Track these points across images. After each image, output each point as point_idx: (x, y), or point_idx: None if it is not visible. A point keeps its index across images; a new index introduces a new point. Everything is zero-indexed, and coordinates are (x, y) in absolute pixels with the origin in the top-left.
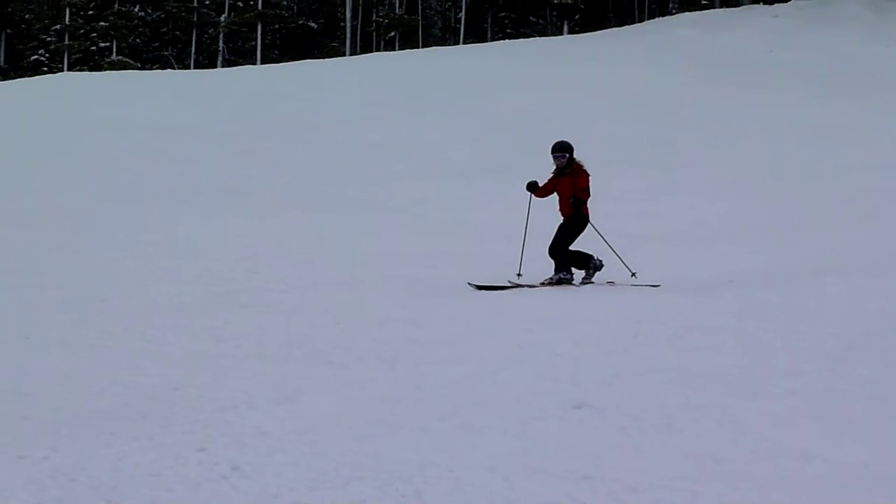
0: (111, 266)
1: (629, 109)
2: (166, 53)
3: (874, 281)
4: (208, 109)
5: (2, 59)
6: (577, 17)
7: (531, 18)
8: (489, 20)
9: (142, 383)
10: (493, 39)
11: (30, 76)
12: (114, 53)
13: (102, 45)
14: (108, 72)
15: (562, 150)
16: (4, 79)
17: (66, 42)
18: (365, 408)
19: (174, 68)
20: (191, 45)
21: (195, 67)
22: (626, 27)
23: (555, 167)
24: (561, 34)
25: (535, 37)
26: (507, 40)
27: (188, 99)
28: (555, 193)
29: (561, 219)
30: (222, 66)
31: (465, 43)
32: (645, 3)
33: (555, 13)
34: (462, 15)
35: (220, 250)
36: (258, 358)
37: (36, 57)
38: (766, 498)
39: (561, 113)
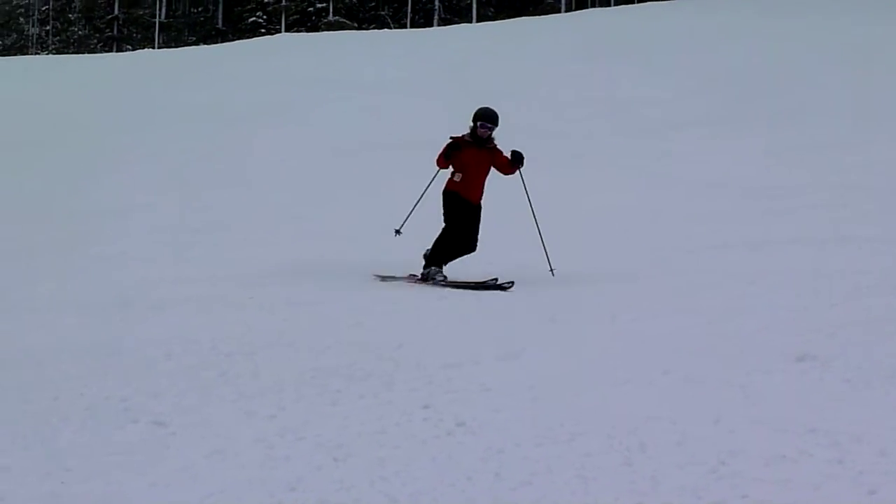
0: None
1: (853, 63)
2: (382, 13)
3: None
4: (428, 68)
5: (220, 21)
6: None
7: None
8: None
9: (366, 341)
10: None
11: (248, 38)
12: (330, 14)
13: (319, 5)
14: (325, 32)
15: (495, 120)
16: (223, 40)
17: (284, 3)
18: (587, 363)
19: (390, 28)
20: (406, 5)
21: (411, 27)
22: None
23: (469, 135)
24: None
25: None
26: None
27: (408, 58)
28: (452, 168)
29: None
30: (438, 25)
31: None
32: None
33: None
34: None
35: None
36: (481, 315)
37: (254, 19)
38: None
39: (779, 67)
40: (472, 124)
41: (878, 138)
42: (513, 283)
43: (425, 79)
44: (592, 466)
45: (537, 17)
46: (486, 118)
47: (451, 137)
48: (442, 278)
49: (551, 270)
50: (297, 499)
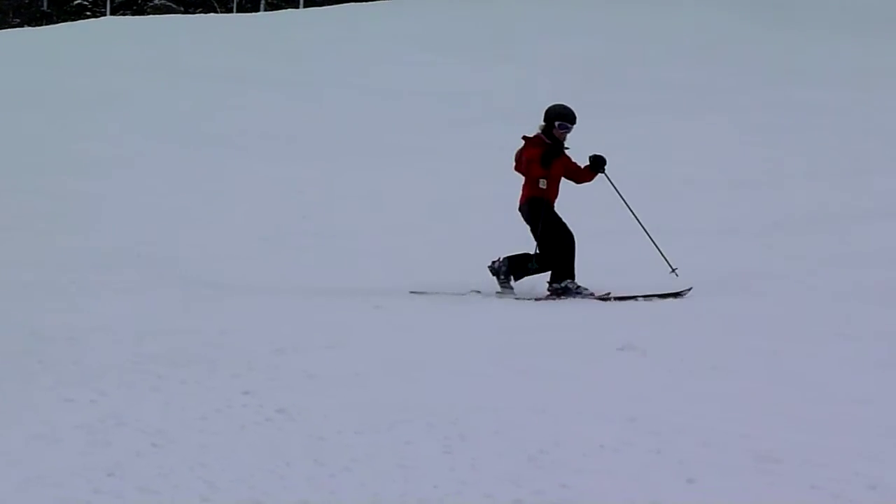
0: (164, 213)
1: (686, 55)
2: None
3: None
4: (258, 54)
5: (45, 3)
6: None
7: None
8: None
9: (191, 327)
10: None
11: (73, 20)
12: None
13: None
14: (152, 16)
15: (574, 119)
16: (48, 23)
17: None
18: (413, 351)
19: (217, 12)
20: None
21: (238, 11)
22: None
23: (552, 141)
24: None
25: None
26: None
27: (236, 44)
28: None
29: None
30: (265, 10)
31: None
32: None
33: None
34: None
35: (276, 197)
36: (307, 303)
37: (79, 1)
38: (818, 442)
39: (613, 58)
40: (543, 124)
41: (718, 132)
42: (691, 288)
43: (258, 67)
44: (412, 454)
45: (371, 2)
46: (565, 117)
47: (524, 138)
48: (590, 293)
49: (674, 271)
50: (115, 484)
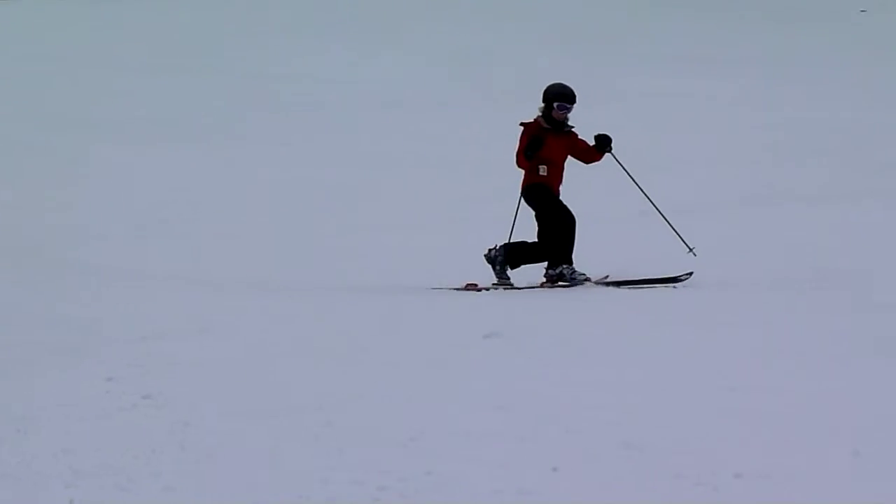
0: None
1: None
2: None
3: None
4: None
5: None
6: None
7: None
8: None
9: (59, 314)
10: None
11: None
12: None
13: None
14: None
15: (573, 98)
16: None
17: None
18: (284, 339)
19: None
20: None
21: None
22: None
23: (546, 122)
24: None
25: None
26: None
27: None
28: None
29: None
30: None
31: None
32: None
33: None
34: None
35: (148, 182)
36: (178, 288)
37: None
38: (686, 430)
39: (498, 46)
40: (543, 105)
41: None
42: (691, 273)
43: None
44: (280, 441)
45: None
46: (563, 97)
47: (522, 124)
48: (585, 277)
49: (691, 250)
50: None
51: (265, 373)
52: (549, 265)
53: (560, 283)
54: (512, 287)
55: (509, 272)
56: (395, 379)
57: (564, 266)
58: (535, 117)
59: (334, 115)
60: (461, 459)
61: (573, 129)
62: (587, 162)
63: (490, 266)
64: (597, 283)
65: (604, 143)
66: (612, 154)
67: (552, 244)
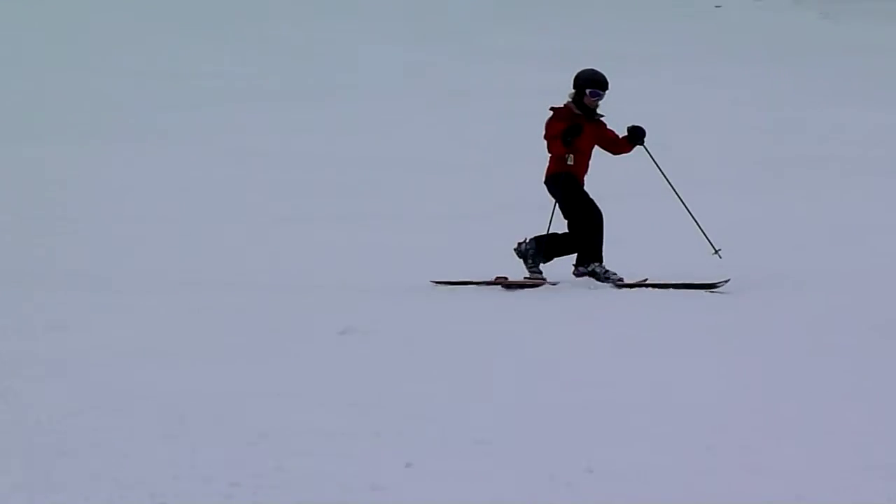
0: None
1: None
2: None
3: None
4: None
5: None
6: None
7: None
8: None
9: None
10: None
11: None
12: None
13: None
14: None
15: (606, 84)
16: None
17: None
18: (137, 336)
19: None
20: None
21: None
22: None
23: (582, 111)
24: None
25: None
26: None
27: None
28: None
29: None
30: None
31: None
32: None
33: None
34: None
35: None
36: (26, 285)
37: None
38: (538, 425)
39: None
40: (573, 91)
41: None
42: (728, 280)
43: None
44: (132, 438)
45: None
46: (596, 83)
47: (552, 109)
48: (618, 278)
49: (717, 252)
50: None
51: (117, 370)
52: (577, 262)
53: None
54: (544, 282)
55: (541, 266)
56: (248, 376)
57: (596, 264)
58: (564, 103)
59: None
60: (314, 455)
61: (602, 118)
62: (615, 153)
63: (522, 261)
64: (634, 285)
65: (637, 136)
66: (645, 147)
67: (581, 240)
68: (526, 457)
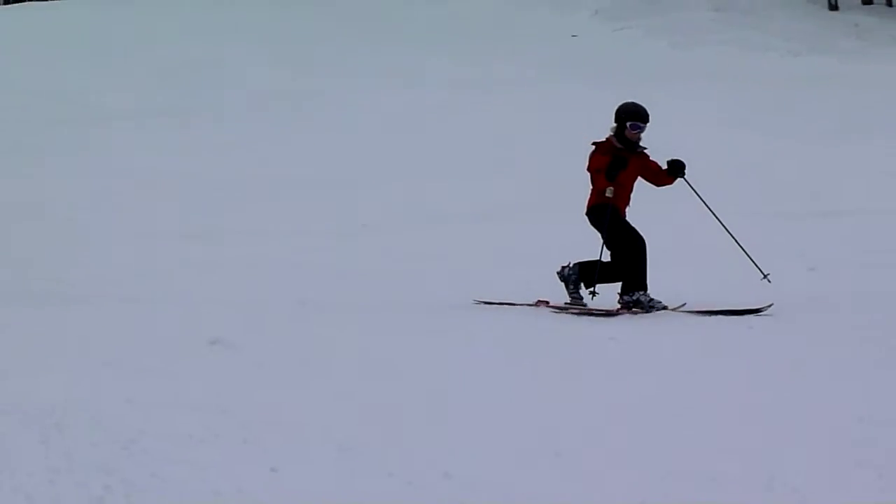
0: None
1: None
2: None
3: None
4: None
5: None
6: None
7: None
8: None
9: None
10: None
11: None
12: None
13: None
14: None
15: (647, 117)
16: None
17: None
18: (11, 349)
19: None
20: None
21: None
22: None
23: (619, 142)
24: None
25: None
26: None
27: None
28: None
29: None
30: None
31: None
32: None
33: None
34: None
35: None
36: None
37: None
38: (399, 431)
39: (218, 62)
40: (615, 125)
41: (303, 134)
42: (771, 304)
43: None
44: (7, 444)
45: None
46: (636, 115)
47: (594, 143)
48: (662, 306)
49: (766, 276)
50: None
51: None
52: (622, 291)
53: (634, 310)
54: (584, 308)
55: (583, 291)
56: (121, 384)
57: (640, 293)
58: (606, 136)
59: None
60: (183, 461)
61: (645, 150)
62: (658, 185)
63: (563, 284)
64: (673, 310)
65: (677, 169)
66: (686, 180)
67: (625, 269)
68: (385, 461)
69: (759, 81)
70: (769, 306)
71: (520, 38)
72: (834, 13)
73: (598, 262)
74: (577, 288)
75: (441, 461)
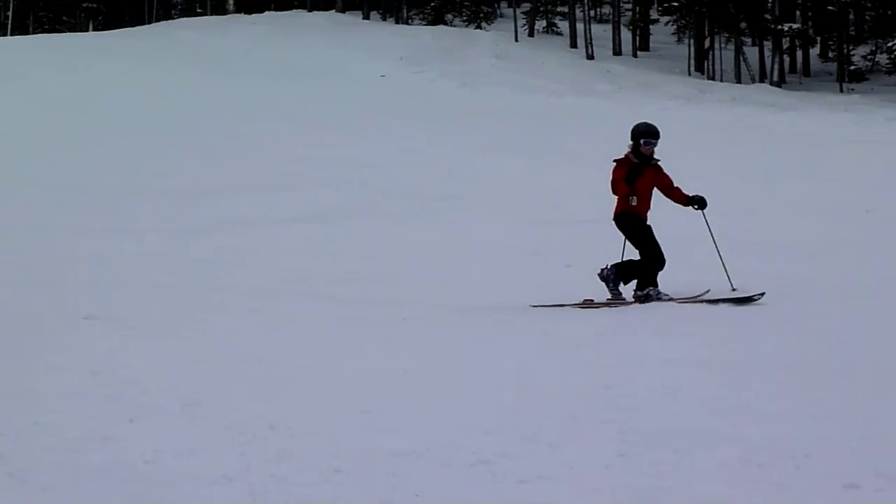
0: None
1: (149, 95)
2: None
3: None
4: None
5: None
6: (100, 17)
7: (64, 18)
8: (31, 18)
9: None
10: (34, 33)
11: None
12: None
13: None
14: None
15: (658, 135)
16: None
17: None
18: None
19: None
20: None
21: None
22: (139, 27)
23: (636, 157)
24: (87, 31)
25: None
26: (40, 34)
27: None
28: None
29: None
30: None
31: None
32: (153, 8)
33: (83, 14)
34: (10, 12)
35: None
36: None
37: None
38: (235, 390)
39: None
40: (631, 143)
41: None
42: (763, 293)
43: None
44: None
45: None
46: (649, 134)
47: (616, 161)
48: (669, 298)
49: (734, 291)
50: None
51: None
52: (637, 287)
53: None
54: (624, 302)
55: (622, 288)
56: (5, 348)
57: (651, 288)
58: (624, 153)
59: None
60: (60, 412)
61: (658, 162)
62: (671, 198)
63: (604, 284)
64: (689, 300)
65: (699, 203)
66: (704, 214)
67: (643, 268)
68: (225, 417)
69: (531, 116)
70: (761, 294)
71: (339, 76)
72: (591, 61)
73: (629, 261)
74: (617, 286)
75: (268, 414)
